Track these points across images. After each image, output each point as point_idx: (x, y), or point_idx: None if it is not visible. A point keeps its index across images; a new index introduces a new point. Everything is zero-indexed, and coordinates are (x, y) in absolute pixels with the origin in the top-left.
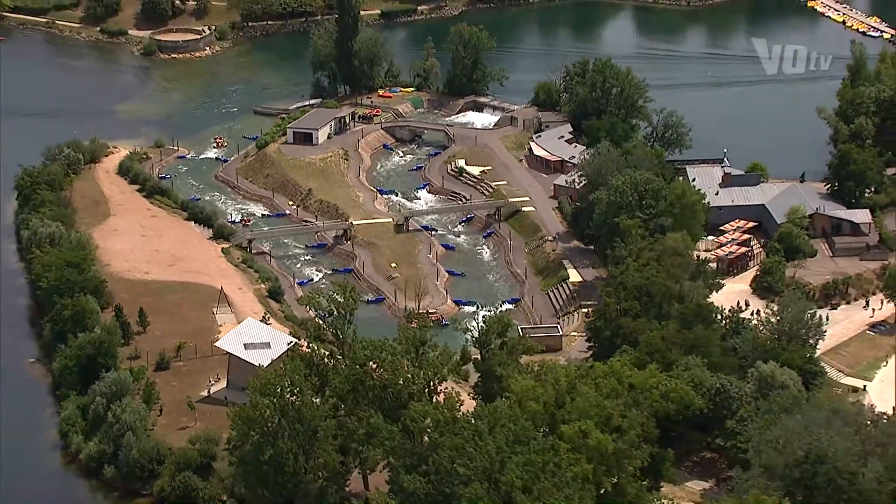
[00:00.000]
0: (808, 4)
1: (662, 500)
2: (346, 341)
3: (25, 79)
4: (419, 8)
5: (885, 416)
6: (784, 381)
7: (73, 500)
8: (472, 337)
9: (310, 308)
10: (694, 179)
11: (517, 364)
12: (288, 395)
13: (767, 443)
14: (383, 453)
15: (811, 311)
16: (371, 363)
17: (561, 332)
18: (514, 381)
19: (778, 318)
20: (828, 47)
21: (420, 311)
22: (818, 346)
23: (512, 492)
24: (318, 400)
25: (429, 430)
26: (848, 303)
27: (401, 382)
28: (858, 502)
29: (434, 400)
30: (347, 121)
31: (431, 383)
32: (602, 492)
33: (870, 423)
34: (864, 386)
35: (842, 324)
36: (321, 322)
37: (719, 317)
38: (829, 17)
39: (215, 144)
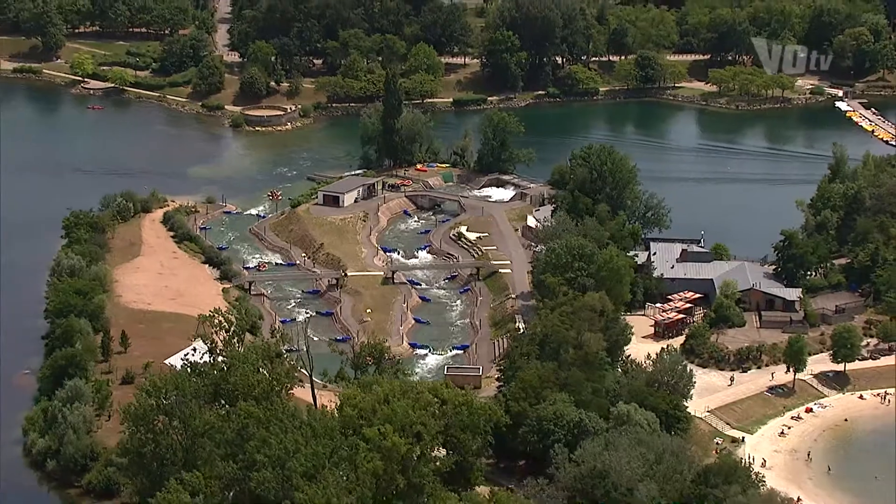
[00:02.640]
0: (847, 115)
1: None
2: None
3: (128, 142)
4: (489, 98)
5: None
6: (639, 419)
7: (21, 486)
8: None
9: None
10: (655, 253)
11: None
12: (173, 396)
13: (568, 460)
14: (214, 444)
15: (682, 364)
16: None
17: (481, 373)
18: (343, 391)
19: (651, 368)
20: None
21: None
22: (690, 394)
23: (292, 476)
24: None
25: (250, 426)
26: (759, 367)
27: (251, 386)
28: None
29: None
30: (377, 188)
31: (275, 388)
32: (397, 488)
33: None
34: (743, 437)
35: (745, 384)
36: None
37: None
38: (861, 126)
39: (271, 197)
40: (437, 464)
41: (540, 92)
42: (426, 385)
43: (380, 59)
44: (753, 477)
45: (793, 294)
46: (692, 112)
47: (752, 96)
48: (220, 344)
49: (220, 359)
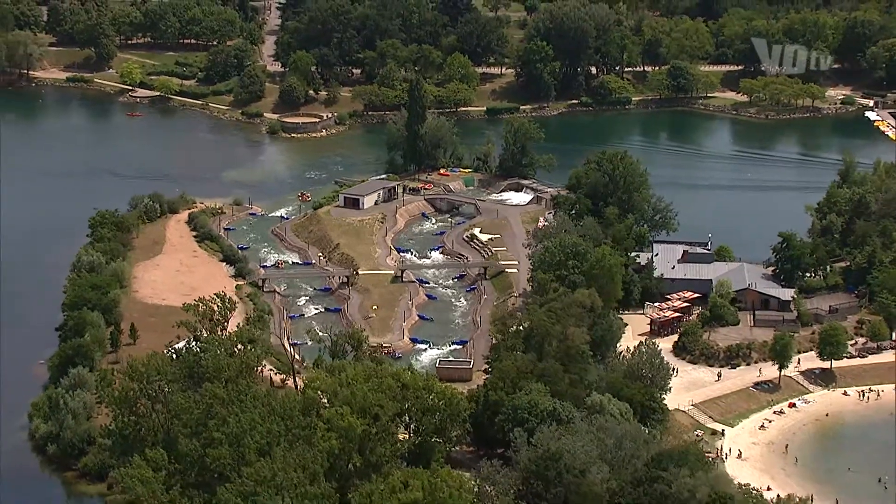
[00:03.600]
0: (875, 124)
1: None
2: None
3: (168, 148)
4: (522, 107)
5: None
6: (612, 409)
7: (24, 469)
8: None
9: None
10: (657, 254)
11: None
12: (156, 381)
13: (527, 443)
14: (182, 424)
15: (659, 358)
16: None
17: (472, 367)
18: (308, 374)
19: (629, 361)
20: (868, 157)
21: (374, 344)
22: (668, 386)
23: (247, 453)
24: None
25: (214, 406)
26: (748, 364)
27: (221, 368)
28: (583, 495)
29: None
30: (397, 191)
31: (245, 370)
32: (354, 466)
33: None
34: (723, 430)
35: (732, 380)
36: (198, 327)
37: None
38: (887, 135)
39: (301, 199)
40: (397, 444)
41: (573, 101)
42: (389, 371)
43: (416, 68)
44: (705, 461)
45: (787, 294)
46: (722, 121)
47: (782, 106)
48: (203, 331)
49: (196, 344)
